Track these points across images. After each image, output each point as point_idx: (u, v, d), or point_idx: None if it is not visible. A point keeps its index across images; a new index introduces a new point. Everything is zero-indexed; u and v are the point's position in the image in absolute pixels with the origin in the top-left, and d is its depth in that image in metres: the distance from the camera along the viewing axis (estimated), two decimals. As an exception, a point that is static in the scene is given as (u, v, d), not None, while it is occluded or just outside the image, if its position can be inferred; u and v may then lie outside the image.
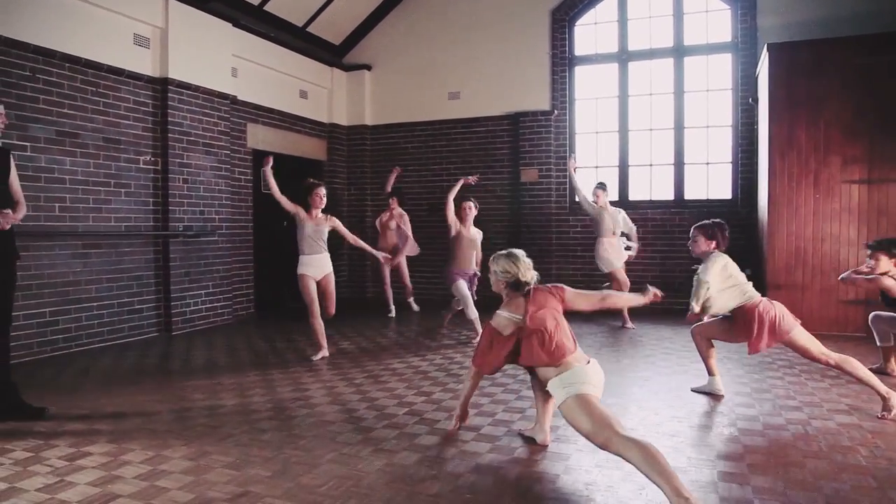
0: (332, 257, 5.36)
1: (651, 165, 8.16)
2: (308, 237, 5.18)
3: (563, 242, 8.28)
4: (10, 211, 3.51)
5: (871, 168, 5.94)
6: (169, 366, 5.05)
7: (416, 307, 7.77)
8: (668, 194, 8.03)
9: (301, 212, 5.24)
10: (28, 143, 5.21)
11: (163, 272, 6.38)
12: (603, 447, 2.51)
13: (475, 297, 5.89)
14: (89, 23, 5.71)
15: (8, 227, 3.50)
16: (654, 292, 3.21)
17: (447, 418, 3.54)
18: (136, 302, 6.13)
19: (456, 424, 3.24)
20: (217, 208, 6.96)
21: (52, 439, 3.24)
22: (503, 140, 8.67)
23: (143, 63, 6.23)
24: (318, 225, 5.22)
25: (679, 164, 7.99)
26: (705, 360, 4.03)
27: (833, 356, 3.60)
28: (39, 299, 5.27)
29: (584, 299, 3.16)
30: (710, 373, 4.06)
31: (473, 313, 5.75)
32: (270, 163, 5.39)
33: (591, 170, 8.43)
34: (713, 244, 3.93)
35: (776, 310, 3.74)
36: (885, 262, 4.13)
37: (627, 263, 6.77)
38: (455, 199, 5.94)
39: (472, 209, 5.99)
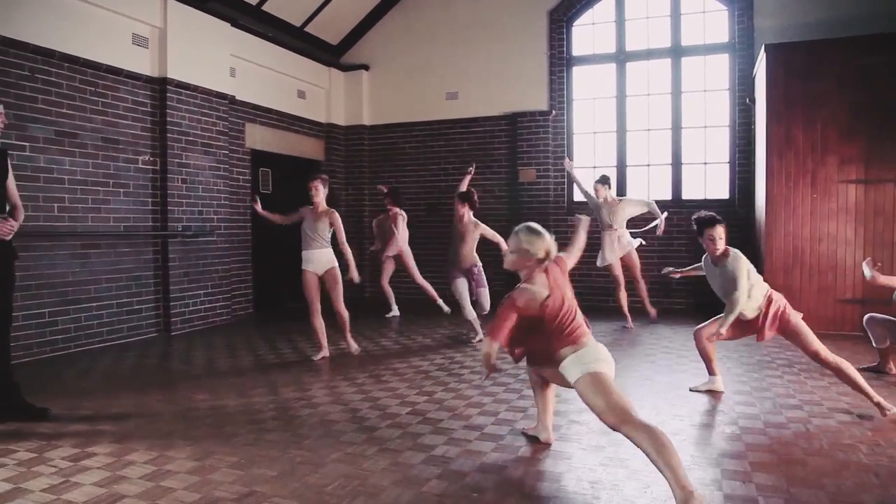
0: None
1: (649, 165, 8.19)
2: (304, 231, 5.18)
3: (562, 242, 8.20)
4: (10, 218, 3.51)
5: (868, 168, 5.98)
6: (170, 366, 5.05)
7: (446, 308, 7.25)
8: (665, 194, 8.05)
9: (304, 208, 5.22)
10: (27, 143, 5.19)
11: (162, 272, 6.37)
12: (614, 427, 2.49)
13: (473, 295, 5.83)
14: (88, 22, 5.69)
15: (10, 236, 3.51)
16: (583, 219, 3.43)
17: (450, 418, 3.56)
18: (135, 302, 6.12)
19: (488, 375, 3.12)
20: (216, 208, 6.95)
21: (56, 440, 3.23)
22: (501, 140, 8.68)
23: (141, 63, 6.22)
24: (315, 220, 5.16)
25: (676, 164, 8.02)
26: (707, 360, 4.05)
27: (832, 357, 3.62)
28: (39, 300, 5.25)
29: (572, 258, 3.24)
30: (711, 373, 4.08)
31: (470, 314, 5.75)
32: (258, 204, 5.45)
33: (588, 170, 8.45)
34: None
35: (782, 297, 3.81)
36: None
37: (644, 248, 6.80)
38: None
39: (456, 202, 5.93)
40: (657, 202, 7.98)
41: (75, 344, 5.55)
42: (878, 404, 3.45)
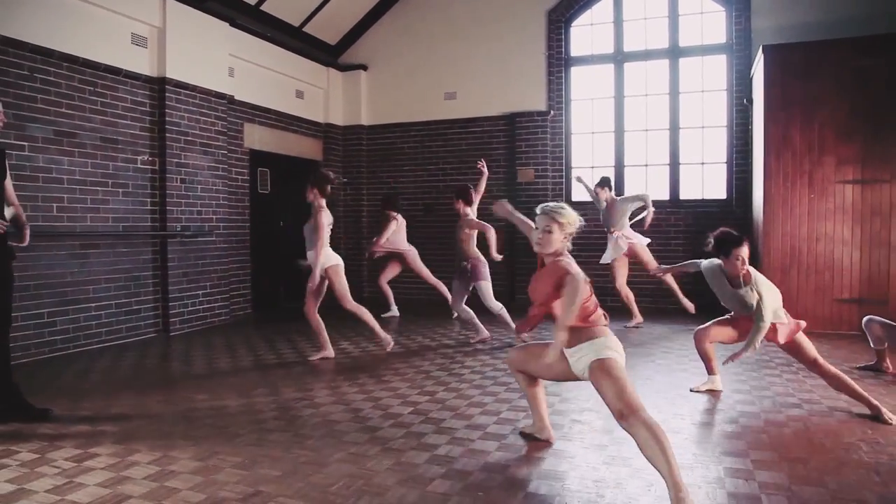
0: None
1: (647, 166, 8.21)
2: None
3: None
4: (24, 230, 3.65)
5: (865, 168, 6.01)
6: (169, 366, 5.04)
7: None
8: (663, 194, 8.08)
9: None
10: (26, 143, 5.18)
11: (161, 272, 6.36)
12: (619, 416, 2.46)
13: (467, 292, 5.80)
14: (87, 22, 5.68)
15: (26, 243, 3.66)
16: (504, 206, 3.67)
17: (452, 417, 3.57)
18: (133, 302, 6.11)
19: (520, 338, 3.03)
20: (214, 208, 6.95)
21: (58, 441, 3.23)
22: (499, 140, 8.70)
23: (140, 62, 6.21)
24: (311, 220, 5.07)
25: (674, 165, 8.05)
26: (707, 361, 4.07)
27: (830, 366, 3.66)
28: (37, 300, 5.24)
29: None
30: (711, 372, 4.10)
31: (463, 313, 5.75)
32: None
33: (587, 170, 8.48)
34: None
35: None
36: None
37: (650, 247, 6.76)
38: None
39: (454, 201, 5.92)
40: (655, 202, 8.05)
41: (74, 344, 5.54)
42: (877, 413, 3.44)
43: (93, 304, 5.70)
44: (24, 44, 5.12)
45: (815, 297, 6.14)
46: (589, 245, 8.08)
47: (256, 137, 7.89)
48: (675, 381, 4.33)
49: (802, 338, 3.74)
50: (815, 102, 6.12)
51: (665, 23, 8.04)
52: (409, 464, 2.88)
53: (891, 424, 3.35)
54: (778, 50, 6.29)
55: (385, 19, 9.26)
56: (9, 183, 3.69)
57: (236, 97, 7.40)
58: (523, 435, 3.25)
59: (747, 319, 3.85)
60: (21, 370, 4.62)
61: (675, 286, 6.46)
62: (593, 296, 2.84)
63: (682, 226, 7.83)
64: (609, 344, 2.71)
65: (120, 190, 5.98)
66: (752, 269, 3.77)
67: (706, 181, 7.98)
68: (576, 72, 8.49)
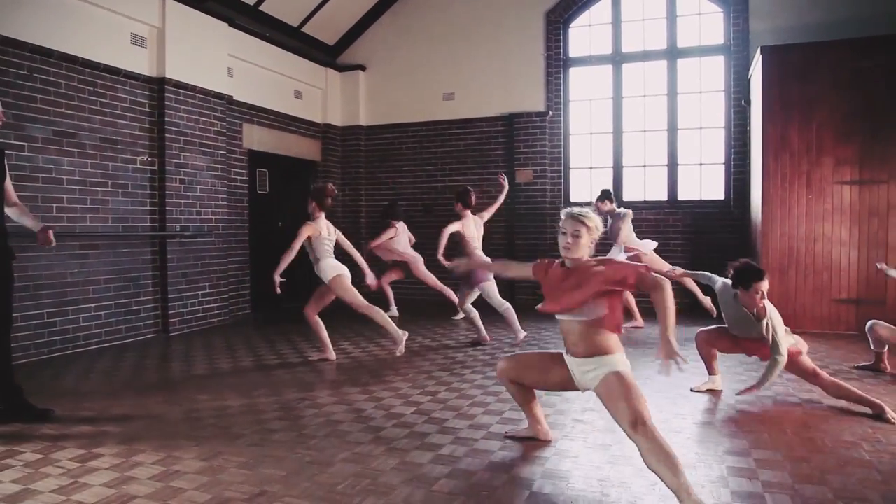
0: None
1: (645, 166, 8.24)
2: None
3: (558, 243, 8.31)
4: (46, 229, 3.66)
5: (862, 169, 6.05)
6: (170, 367, 5.04)
7: (460, 315, 7.19)
8: (661, 195, 8.11)
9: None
10: (25, 143, 5.17)
11: (160, 273, 6.35)
12: (633, 426, 2.42)
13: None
14: (87, 22, 5.67)
15: (54, 243, 3.71)
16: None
17: (455, 417, 3.58)
18: (133, 303, 6.10)
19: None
20: (213, 209, 6.94)
21: (61, 441, 3.22)
22: (498, 141, 8.71)
23: (139, 63, 6.20)
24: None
25: (672, 165, 8.08)
26: (707, 361, 4.09)
27: (828, 377, 3.71)
28: (37, 300, 5.23)
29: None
30: (711, 372, 4.12)
31: (469, 312, 5.80)
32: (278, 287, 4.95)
33: (585, 171, 8.51)
34: None
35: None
36: None
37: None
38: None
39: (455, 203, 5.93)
40: (653, 202, 8.09)
41: (74, 345, 5.53)
42: (880, 412, 3.47)
43: (92, 305, 5.69)
44: (24, 44, 5.11)
45: (813, 298, 6.17)
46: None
47: (255, 138, 7.88)
48: (676, 381, 4.33)
49: (805, 358, 3.77)
50: (813, 103, 6.15)
51: (663, 24, 8.07)
52: (413, 463, 2.89)
53: (894, 423, 3.37)
54: (776, 51, 6.32)
55: (383, 20, 9.27)
56: (9, 183, 3.69)
57: (235, 97, 7.40)
58: (515, 439, 3.21)
59: (750, 340, 3.88)
60: (21, 371, 4.60)
61: (695, 287, 6.35)
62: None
63: (680, 226, 7.85)
64: (624, 360, 2.69)
65: (119, 190, 5.97)
66: (767, 304, 3.73)
67: (704, 182, 8.01)
68: (574, 73, 8.51)
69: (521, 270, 3.17)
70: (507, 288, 8.36)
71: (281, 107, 8.32)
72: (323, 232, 5.01)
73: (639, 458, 2.78)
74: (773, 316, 3.67)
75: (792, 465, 2.83)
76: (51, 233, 3.65)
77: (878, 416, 3.46)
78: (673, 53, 8.04)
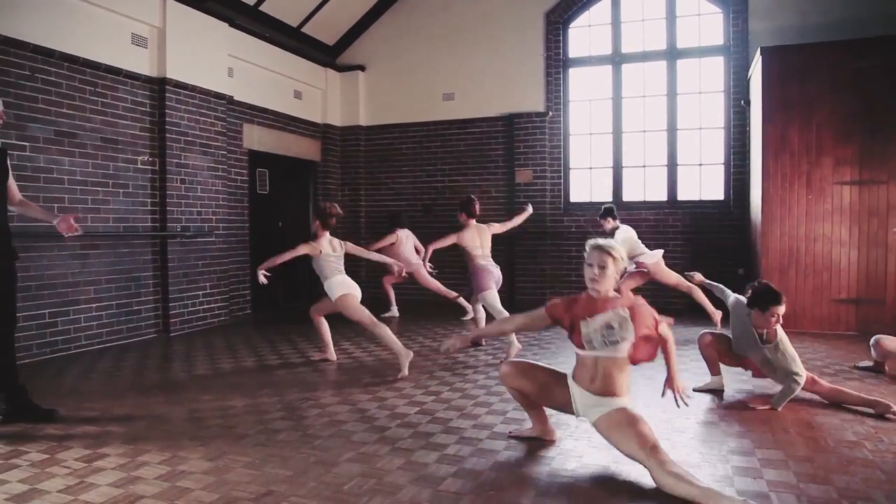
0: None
1: (644, 167, 8.25)
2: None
3: (558, 243, 8.34)
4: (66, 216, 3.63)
5: (862, 169, 6.07)
6: (172, 367, 5.04)
7: (469, 312, 7.10)
8: (661, 195, 8.13)
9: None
10: (27, 143, 5.16)
11: (161, 273, 6.35)
12: (646, 450, 2.55)
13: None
14: (88, 22, 5.67)
15: (77, 229, 3.66)
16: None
17: (459, 417, 3.59)
18: (134, 303, 6.10)
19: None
20: (214, 209, 6.94)
21: (66, 441, 3.22)
22: (498, 141, 8.72)
23: (140, 63, 6.20)
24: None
25: (672, 166, 8.09)
26: (710, 362, 4.10)
27: (826, 384, 3.76)
28: (39, 300, 5.22)
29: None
30: (714, 373, 4.13)
31: (477, 312, 5.80)
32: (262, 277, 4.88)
33: (585, 171, 8.53)
34: None
35: None
36: None
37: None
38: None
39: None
40: (653, 203, 8.11)
41: (75, 345, 5.52)
42: (883, 411, 3.48)
43: (93, 305, 5.69)
44: (26, 44, 5.11)
45: (813, 298, 6.19)
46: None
47: (255, 138, 7.88)
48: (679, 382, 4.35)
49: None
50: (813, 104, 6.17)
51: (663, 24, 8.09)
52: (419, 463, 2.89)
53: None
54: (776, 52, 6.34)
55: (383, 20, 9.27)
56: (12, 183, 3.69)
57: (235, 97, 7.39)
58: (520, 438, 3.23)
59: (748, 359, 3.93)
60: (23, 371, 4.58)
61: (705, 300, 6.08)
62: None
63: (679, 227, 7.87)
64: (631, 401, 2.85)
65: (120, 190, 5.97)
66: (780, 331, 3.75)
67: (704, 182, 8.03)
68: (574, 73, 8.52)
69: (529, 320, 3.07)
70: (508, 287, 8.38)
71: (281, 107, 8.32)
72: (325, 250, 4.86)
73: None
74: (784, 339, 3.73)
75: (796, 465, 2.84)
76: (71, 219, 3.62)
77: (880, 415, 3.48)
78: (672, 54, 8.06)
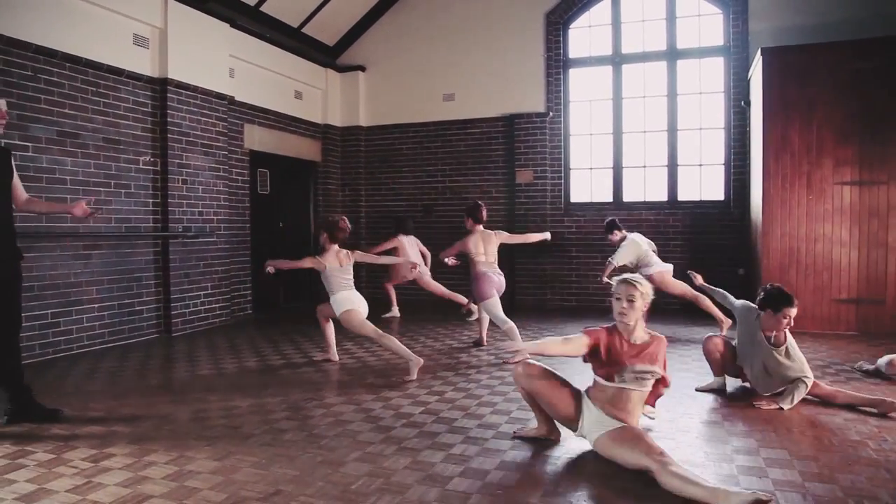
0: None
1: (645, 167, 8.27)
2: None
3: (558, 243, 8.34)
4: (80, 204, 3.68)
5: (862, 170, 6.09)
6: (175, 367, 5.04)
7: (474, 316, 6.93)
8: (661, 195, 8.15)
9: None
10: (29, 144, 5.16)
11: (162, 273, 6.35)
12: (654, 457, 2.60)
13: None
14: (89, 22, 5.67)
15: (94, 213, 3.73)
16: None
17: (464, 417, 3.60)
18: (136, 303, 6.10)
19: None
20: (215, 209, 6.94)
21: (72, 441, 3.23)
22: (498, 141, 8.73)
23: (142, 63, 6.20)
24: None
25: (672, 166, 8.11)
26: (714, 364, 4.12)
27: (827, 387, 3.81)
28: (41, 301, 5.23)
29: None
30: (717, 373, 4.15)
31: (482, 313, 5.80)
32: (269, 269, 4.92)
33: (585, 171, 8.54)
34: None
35: None
36: None
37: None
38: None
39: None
40: (653, 203, 8.13)
41: (78, 345, 5.53)
42: (887, 410, 3.51)
43: (96, 305, 5.69)
44: (28, 44, 5.11)
45: (814, 297, 6.21)
46: (590, 246, 8.19)
47: (256, 138, 7.89)
48: (681, 382, 4.36)
49: None
50: (813, 104, 6.19)
51: (663, 25, 8.11)
52: (425, 462, 2.90)
53: None
54: (776, 52, 6.36)
55: (383, 20, 9.28)
56: (17, 183, 3.70)
57: (236, 98, 7.40)
58: (524, 437, 3.24)
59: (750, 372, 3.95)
60: (26, 371, 4.56)
61: (712, 306, 5.91)
62: None
63: (680, 227, 7.89)
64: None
65: (122, 191, 5.97)
66: (787, 332, 3.78)
67: (704, 182, 8.05)
68: (574, 73, 8.54)
69: (571, 346, 3.04)
70: (509, 288, 8.39)
71: (281, 107, 8.32)
72: (331, 265, 4.81)
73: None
74: (793, 342, 3.78)
75: (800, 464, 2.86)
76: (84, 203, 3.63)
77: (884, 414, 3.50)
78: (672, 54, 8.08)
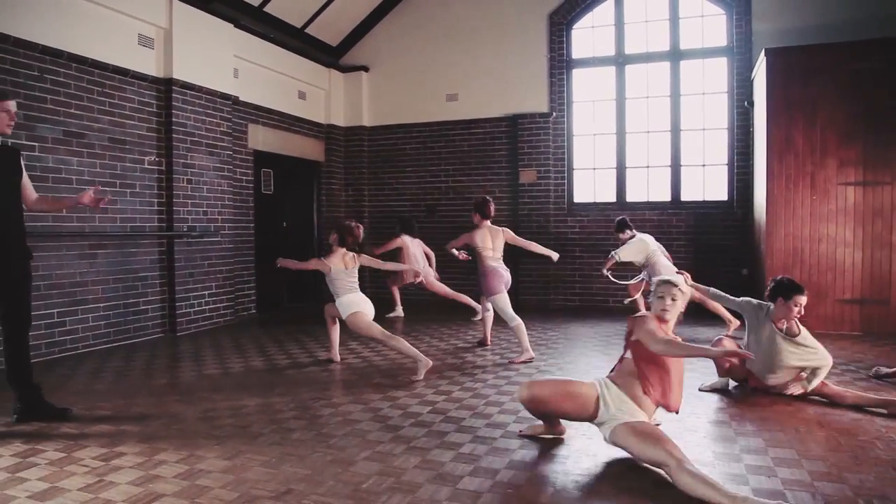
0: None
1: (648, 167, 8.28)
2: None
3: (561, 243, 8.35)
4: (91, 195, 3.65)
5: (866, 170, 6.11)
6: (182, 366, 5.05)
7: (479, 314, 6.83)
8: (664, 195, 8.16)
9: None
10: (36, 143, 5.17)
11: (167, 273, 6.36)
12: (676, 459, 2.57)
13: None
14: (95, 23, 5.68)
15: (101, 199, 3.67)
16: None
17: (472, 416, 3.61)
18: (141, 302, 6.11)
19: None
20: (220, 209, 6.95)
21: (82, 440, 3.24)
22: (501, 142, 8.74)
23: (147, 63, 6.21)
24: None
25: (675, 166, 8.13)
26: (720, 365, 4.13)
27: (834, 387, 3.85)
28: (47, 300, 5.23)
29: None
30: (721, 374, 4.16)
31: (487, 312, 5.81)
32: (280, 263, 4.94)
33: (588, 171, 8.55)
34: None
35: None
36: None
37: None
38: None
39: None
40: (656, 203, 8.14)
41: (83, 344, 5.54)
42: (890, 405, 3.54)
43: (101, 305, 5.70)
44: (34, 45, 5.12)
45: (818, 298, 6.21)
46: (594, 247, 8.20)
47: (260, 138, 7.90)
48: (687, 382, 4.32)
49: None
50: (817, 105, 6.20)
51: (666, 25, 8.12)
52: (435, 462, 2.91)
53: None
54: (780, 53, 6.38)
55: (386, 21, 9.29)
56: (27, 182, 3.70)
57: (241, 98, 7.41)
58: (530, 436, 3.25)
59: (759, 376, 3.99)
60: (34, 370, 4.61)
61: (719, 307, 5.79)
62: None
63: (683, 227, 7.90)
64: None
65: (128, 190, 5.98)
66: (802, 327, 3.85)
67: (707, 183, 8.06)
68: (577, 74, 8.55)
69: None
70: (511, 288, 8.40)
71: (285, 107, 8.33)
72: (336, 267, 4.82)
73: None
74: (806, 332, 3.86)
75: (809, 463, 2.87)
76: (92, 191, 3.63)
77: (892, 414, 3.51)
78: (676, 55, 8.09)
